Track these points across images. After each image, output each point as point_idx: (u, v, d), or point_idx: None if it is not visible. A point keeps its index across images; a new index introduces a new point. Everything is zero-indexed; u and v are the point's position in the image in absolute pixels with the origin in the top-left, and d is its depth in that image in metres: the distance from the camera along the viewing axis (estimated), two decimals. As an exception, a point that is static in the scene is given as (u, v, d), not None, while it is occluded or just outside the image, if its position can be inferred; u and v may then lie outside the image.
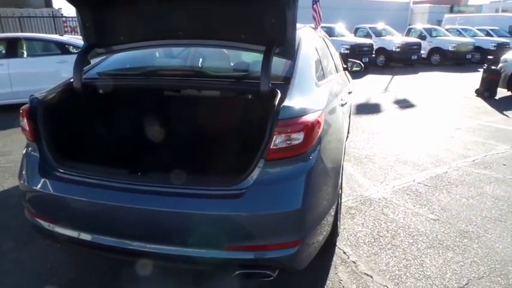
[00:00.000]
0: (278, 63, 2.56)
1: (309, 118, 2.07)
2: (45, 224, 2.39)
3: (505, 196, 4.07)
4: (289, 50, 2.39)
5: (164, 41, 2.68)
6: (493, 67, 9.43)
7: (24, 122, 2.47)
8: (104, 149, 2.92)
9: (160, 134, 3.11)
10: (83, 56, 2.70)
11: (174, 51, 3.28)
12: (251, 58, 2.90)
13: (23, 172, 2.49)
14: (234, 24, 2.47)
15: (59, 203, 2.32)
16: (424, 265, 2.88)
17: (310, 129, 2.06)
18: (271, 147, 2.01)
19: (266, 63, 2.26)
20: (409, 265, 2.88)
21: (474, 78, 11.66)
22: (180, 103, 3.14)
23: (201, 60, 3.09)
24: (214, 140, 3.00)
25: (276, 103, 2.11)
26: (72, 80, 2.71)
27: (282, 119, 2.02)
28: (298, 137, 2.02)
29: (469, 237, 3.27)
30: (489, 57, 10.01)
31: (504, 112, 8.04)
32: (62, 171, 2.37)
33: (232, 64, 3.00)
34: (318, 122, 2.14)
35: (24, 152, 2.60)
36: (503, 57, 9.80)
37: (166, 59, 3.15)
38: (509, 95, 9.49)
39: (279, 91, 2.22)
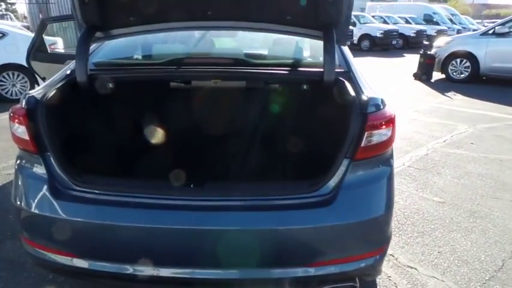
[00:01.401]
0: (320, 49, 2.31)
1: (391, 111, 1.87)
2: (63, 259, 1.88)
3: (488, 173, 4.32)
4: (343, 34, 2.14)
5: (188, 23, 2.24)
6: (428, 52, 10.13)
7: (22, 129, 1.90)
8: (127, 157, 2.45)
9: (199, 134, 2.69)
10: (86, 42, 2.16)
11: (184, 36, 2.78)
12: (288, 42, 2.58)
13: (23, 196, 1.94)
14: (277, 3, 2.14)
15: (83, 231, 1.84)
16: (456, 250, 2.90)
17: (394, 123, 1.86)
18: (362, 145, 1.77)
19: (329, 48, 1.99)
20: (443, 252, 2.88)
21: (404, 63, 12.46)
22: (221, 96, 2.74)
23: (231, 45, 2.66)
24: (267, 138, 2.67)
25: (353, 94, 1.87)
26: (71, 72, 2.17)
27: (371, 113, 1.79)
28: (387, 133, 1.81)
29: (479, 216, 3.39)
30: (425, 42, 10.74)
31: (445, 94, 8.69)
32: (80, 189, 1.88)
33: (272, 50, 2.63)
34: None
35: (17, 168, 2.02)
36: (435, 43, 10.59)
37: (182, 45, 2.66)
38: (444, 78, 10.31)
39: (345, 81, 1.99)
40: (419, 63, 10.34)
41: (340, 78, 2.01)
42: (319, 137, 2.28)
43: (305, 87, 2.24)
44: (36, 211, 1.86)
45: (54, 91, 2.04)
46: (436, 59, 10.07)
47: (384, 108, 1.83)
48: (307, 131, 2.55)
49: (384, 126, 1.79)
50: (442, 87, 9.41)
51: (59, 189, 1.89)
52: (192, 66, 2.17)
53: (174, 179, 1.90)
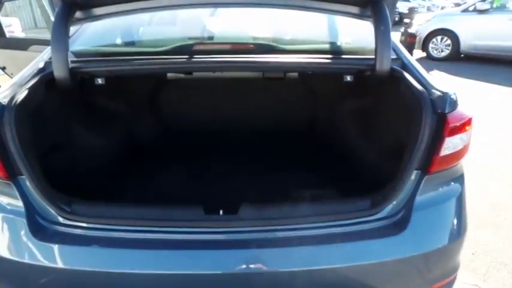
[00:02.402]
0: (360, 31, 1.91)
1: (467, 109, 1.51)
2: None
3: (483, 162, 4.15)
4: (391, 11, 1.74)
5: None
6: (410, 30, 9.92)
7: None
8: (127, 176, 2.11)
9: (219, 141, 2.32)
10: (64, 24, 1.63)
11: (186, 16, 2.26)
12: (316, 22, 2.13)
13: None
14: None
15: (76, 284, 1.39)
16: (488, 251, 2.67)
17: (471, 126, 1.51)
18: (439, 154, 1.40)
19: (383, 29, 1.60)
20: (476, 253, 2.64)
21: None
22: (242, 91, 2.44)
23: (244, 27, 2.16)
24: (306, 144, 2.30)
25: (420, 88, 1.50)
26: (45, 66, 1.65)
27: (450, 112, 1.42)
28: (465, 138, 1.46)
29: (503, 209, 3.19)
30: (405, 20, 10.53)
31: (429, 72, 8.54)
32: (70, 224, 1.42)
33: (294, 33, 2.18)
34: None
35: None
36: (416, 21, 10.41)
37: (186, 27, 2.15)
38: (425, 56, 10.18)
39: (403, 70, 1.61)
40: (401, 41, 10.13)
41: (396, 67, 1.63)
42: (370, 143, 1.93)
43: (348, 78, 1.83)
44: (11, 256, 1.39)
45: (25, 92, 1.53)
46: (417, 37, 9.88)
47: (459, 108, 1.47)
48: (355, 135, 2.20)
49: (463, 130, 1.43)
50: (423, 65, 9.25)
51: (41, 225, 1.42)
52: (204, 54, 1.70)
53: (194, 206, 1.48)
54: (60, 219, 1.47)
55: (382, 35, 1.60)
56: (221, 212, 1.47)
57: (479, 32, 9.04)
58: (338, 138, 2.49)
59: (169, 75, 2.26)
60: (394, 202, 1.46)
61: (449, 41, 9.48)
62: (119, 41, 1.82)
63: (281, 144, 2.68)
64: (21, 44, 3.78)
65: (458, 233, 1.48)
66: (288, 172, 2.30)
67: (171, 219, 1.44)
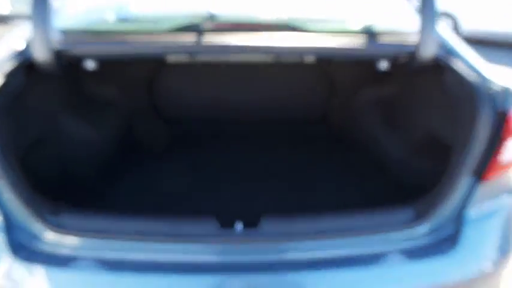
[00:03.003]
0: (393, 10, 1.66)
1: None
2: None
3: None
4: None
5: None
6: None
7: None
8: (118, 175, 1.92)
9: (235, 138, 2.29)
10: None
11: None
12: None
13: None
14: None
15: None
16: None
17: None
18: (498, 158, 1.19)
19: (428, 8, 1.35)
20: None
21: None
22: (248, 76, 2.26)
23: (264, 1, 1.85)
24: (333, 141, 2.16)
25: (474, 80, 1.27)
26: (23, 47, 1.38)
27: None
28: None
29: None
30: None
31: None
32: (58, 240, 1.19)
33: (325, 12, 1.88)
34: None
35: None
36: None
37: (185, 2, 1.83)
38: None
39: (451, 58, 1.38)
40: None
41: (442, 53, 1.39)
42: (396, 137, 1.73)
43: (382, 66, 1.59)
44: None
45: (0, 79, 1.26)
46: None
47: None
48: (377, 127, 2.00)
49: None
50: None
51: (22, 242, 1.18)
52: (214, 34, 1.43)
53: (207, 218, 1.25)
54: (45, 234, 1.22)
55: (427, 14, 1.35)
56: (239, 226, 1.24)
57: (479, 15, 8.82)
58: (357, 130, 2.27)
59: (169, 58, 1.99)
60: (442, 213, 1.25)
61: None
62: (113, 17, 1.54)
63: (293, 136, 2.46)
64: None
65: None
66: (305, 170, 2.09)
67: (180, 234, 1.21)
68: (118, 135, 2.14)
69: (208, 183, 1.95)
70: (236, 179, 1.99)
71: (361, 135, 2.24)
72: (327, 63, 2.26)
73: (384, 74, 2.03)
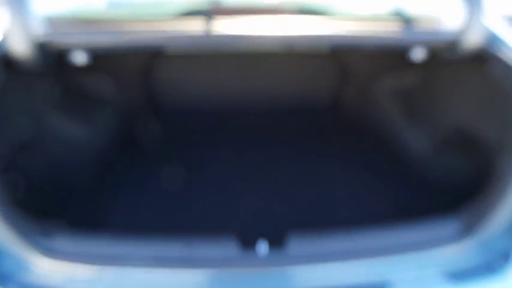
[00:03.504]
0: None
1: None
2: None
3: None
4: None
5: None
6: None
7: None
8: (114, 180, 1.77)
9: (250, 143, 2.11)
10: None
11: None
12: None
13: None
14: None
15: None
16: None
17: None
18: None
19: None
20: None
21: None
22: (254, 65, 2.13)
23: None
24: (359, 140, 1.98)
25: None
26: (1, 38, 1.18)
27: None
28: None
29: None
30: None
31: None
32: (49, 268, 1.03)
33: None
34: None
35: None
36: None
37: None
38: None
39: (501, 46, 1.21)
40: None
41: (488, 43, 1.21)
42: (420, 131, 1.58)
43: (417, 56, 1.40)
44: None
45: None
46: None
47: None
48: (398, 120, 1.84)
49: None
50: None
51: (8, 271, 1.01)
52: (224, 21, 1.23)
53: (224, 237, 1.08)
54: (37, 261, 1.04)
55: None
56: (262, 245, 1.07)
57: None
58: (373, 123, 2.10)
59: (169, 48, 1.79)
60: (493, 225, 1.10)
61: None
62: (106, 2, 1.33)
63: (303, 129, 2.28)
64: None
65: None
66: (322, 170, 1.92)
67: (195, 258, 1.04)
68: (113, 134, 1.95)
69: (216, 188, 1.77)
70: (247, 182, 1.81)
71: (378, 128, 2.07)
72: (342, 51, 2.07)
73: (407, 62, 1.84)
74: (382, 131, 2.05)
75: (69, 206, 1.65)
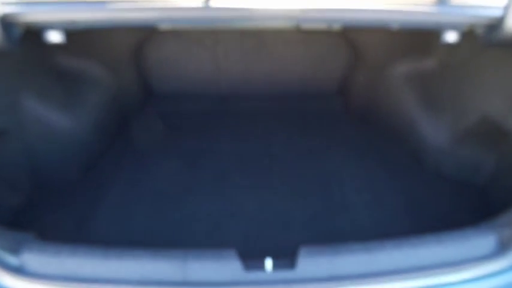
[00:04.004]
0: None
1: None
2: None
3: None
4: None
5: None
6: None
7: None
8: (100, 177, 1.63)
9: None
10: None
11: None
12: None
13: None
14: None
15: None
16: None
17: None
18: None
19: None
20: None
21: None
22: (255, 44, 1.98)
23: None
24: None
25: None
26: None
27: None
28: None
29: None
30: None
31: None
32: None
33: None
34: None
35: None
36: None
37: None
38: None
39: None
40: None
41: None
42: (438, 121, 1.48)
43: (450, 38, 1.21)
44: None
45: None
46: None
47: None
48: (413, 108, 1.68)
49: None
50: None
51: None
52: None
53: (224, 253, 0.92)
54: (3, 281, 0.88)
55: None
56: (268, 264, 0.91)
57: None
58: (385, 111, 1.92)
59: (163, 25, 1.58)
60: None
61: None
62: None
63: (309, 116, 2.09)
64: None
65: None
66: (331, 165, 1.74)
67: (192, 281, 0.88)
68: (100, 121, 1.75)
69: (214, 186, 1.60)
70: (249, 179, 1.63)
71: (392, 117, 1.89)
72: (355, 30, 1.86)
73: (427, 45, 1.65)
74: (395, 120, 1.87)
75: (48, 206, 1.48)
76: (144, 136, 1.93)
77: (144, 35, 1.89)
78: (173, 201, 1.54)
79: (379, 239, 0.98)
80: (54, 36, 1.12)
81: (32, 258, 0.93)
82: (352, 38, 1.95)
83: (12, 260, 0.93)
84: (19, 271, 0.92)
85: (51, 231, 1.37)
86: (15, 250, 0.94)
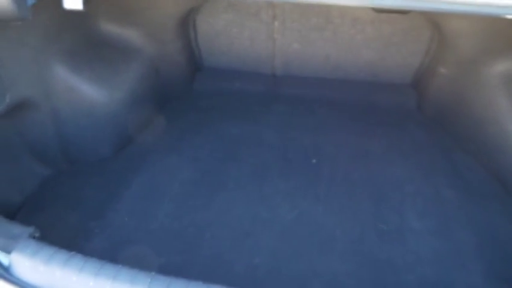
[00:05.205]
0: None
1: None
2: None
3: None
4: None
5: None
6: None
7: None
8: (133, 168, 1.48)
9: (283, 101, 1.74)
10: None
11: None
12: None
13: None
14: None
15: None
16: None
17: None
18: None
19: None
20: None
21: None
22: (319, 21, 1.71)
23: None
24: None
25: None
26: None
27: None
28: None
29: None
30: None
31: None
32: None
33: None
34: None
35: None
36: None
37: None
38: None
39: None
40: None
41: None
42: None
43: None
44: None
45: None
46: None
47: None
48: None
49: None
50: None
51: None
52: None
53: None
54: None
55: None
56: None
57: None
58: (471, 116, 1.56)
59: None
60: None
61: None
62: None
63: (376, 111, 1.79)
64: None
65: None
66: (395, 177, 1.45)
67: None
68: (139, 95, 1.62)
69: (247, 186, 1.40)
70: (288, 182, 1.41)
71: (476, 124, 1.53)
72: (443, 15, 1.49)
73: None
74: (481, 129, 1.51)
75: (75, 182, 1.40)
76: (184, 116, 1.78)
77: (194, 3, 1.70)
78: (202, 195, 1.39)
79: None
80: (72, 2, 0.97)
81: (20, 260, 0.83)
82: (438, 22, 1.58)
83: (2, 259, 0.84)
84: (6, 272, 0.82)
85: (72, 213, 1.31)
86: (7, 247, 0.85)
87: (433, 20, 1.63)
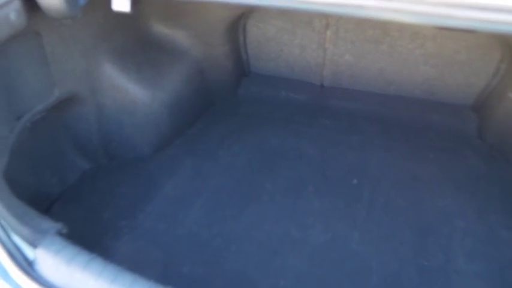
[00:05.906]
0: None
1: None
2: None
3: None
4: None
5: None
6: None
7: None
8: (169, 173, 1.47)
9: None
10: None
11: None
12: None
13: None
14: None
15: None
16: None
17: None
18: None
19: None
20: None
21: None
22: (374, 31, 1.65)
23: None
24: None
25: None
26: None
27: None
28: None
29: None
30: None
31: None
32: None
33: None
34: None
35: None
36: None
37: None
38: None
39: None
40: None
41: None
42: None
43: None
44: None
45: None
46: None
47: None
48: None
49: None
50: None
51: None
52: None
53: None
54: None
55: None
56: None
57: None
58: None
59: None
60: None
61: None
62: None
63: (429, 133, 1.66)
64: None
65: None
66: (447, 211, 1.31)
67: None
68: (183, 97, 1.62)
69: (280, 201, 1.35)
70: (324, 202, 1.33)
71: None
72: None
73: None
74: None
75: (109, 180, 1.43)
76: (226, 121, 1.76)
77: (245, 8, 1.67)
78: (234, 206, 1.35)
79: None
80: (120, 4, 0.98)
81: (44, 257, 0.83)
82: (510, 43, 1.43)
83: (29, 252, 0.85)
84: (30, 267, 0.84)
85: (104, 209, 1.33)
86: (34, 241, 0.87)
87: (504, 39, 1.47)
